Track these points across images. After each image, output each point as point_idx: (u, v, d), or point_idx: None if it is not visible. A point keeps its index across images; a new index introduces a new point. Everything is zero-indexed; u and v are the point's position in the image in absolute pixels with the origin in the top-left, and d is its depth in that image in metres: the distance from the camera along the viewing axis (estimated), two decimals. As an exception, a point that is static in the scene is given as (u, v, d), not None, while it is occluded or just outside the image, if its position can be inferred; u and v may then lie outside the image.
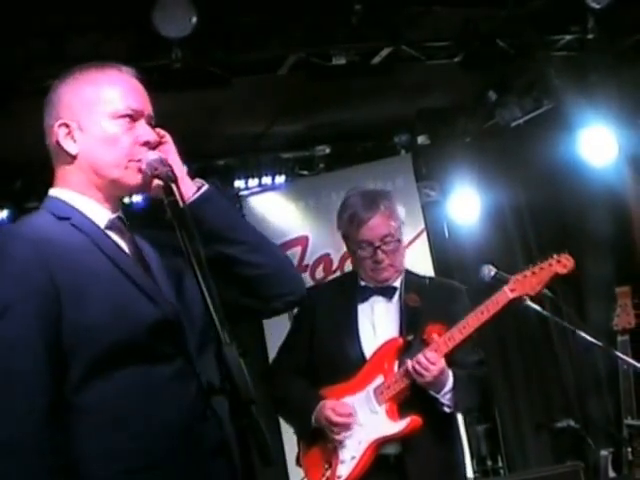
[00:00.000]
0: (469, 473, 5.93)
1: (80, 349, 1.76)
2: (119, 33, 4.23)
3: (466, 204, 6.48)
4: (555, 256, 3.06)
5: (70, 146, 1.91)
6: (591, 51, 5.12)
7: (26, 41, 4.12)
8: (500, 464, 6.51)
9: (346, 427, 3.02)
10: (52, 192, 1.95)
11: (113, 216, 1.93)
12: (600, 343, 3.36)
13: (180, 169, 1.94)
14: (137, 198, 5.88)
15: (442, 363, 2.95)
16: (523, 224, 6.57)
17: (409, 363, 2.96)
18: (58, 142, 1.91)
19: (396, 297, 3.14)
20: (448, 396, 2.99)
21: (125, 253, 1.91)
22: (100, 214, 1.92)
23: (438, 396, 2.98)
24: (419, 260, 6.25)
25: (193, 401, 1.81)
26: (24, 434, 1.66)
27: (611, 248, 6.14)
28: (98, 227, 1.90)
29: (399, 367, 3.03)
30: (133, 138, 1.90)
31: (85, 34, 4.17)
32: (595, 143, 5.62)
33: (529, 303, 3.16)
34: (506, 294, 3.00)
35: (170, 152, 1.98)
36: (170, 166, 1.88)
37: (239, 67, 4.68)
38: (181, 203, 1.80)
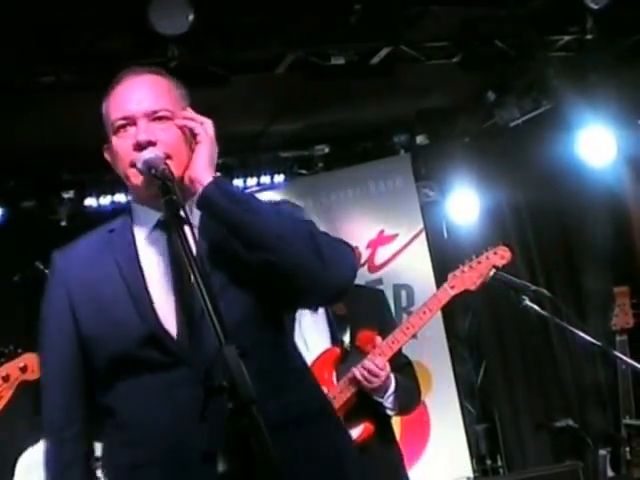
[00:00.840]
0: (468, 472, 5.95)
1: (89, 360, 1.96)
2: (115, 31, 4.22)
3: (465, 204, 6.48)
4: (491, 249, 3.09)
5: (113, 165, 2.02)
6: (590, 52, 5.12)
7: (21, 39, 4.11)
8: (499, 463, 6.51)
9: None
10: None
11: (162, 217, 1.94)
12: (599, 343, 3.37)
13: (209, 155, 1.94)
14: (121, 198, 5.89)
15: (388, 368, 2.97)
16: (522, 224, 6.57)
17: (356, 371, 2.96)
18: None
19: (321, 308, 3.11)
20: (391, 399, 3.00)
21: (140, 269, 1.94)
22: (148, 217, 1.97)
23: (382, 400, 2.99)
24: (418, 260, 6.26)
25: (189, 408, 1.82)
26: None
27: (610, 248, 6.15)
28: (132, 238, 1.98)
29: (337, 376, 3.03)
30: (129, 145, 1.93)
31: (81, 32, 4.16)
32: (594, 143, 5.63)
33: (528, 303, 3.18)
34: (447, 291, 3.04)
35: (204, 143, 1.96)
36: (166, 164, 1.88)
37: (237, 65, 4.67)
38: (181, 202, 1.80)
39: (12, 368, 3.17)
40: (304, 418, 1.90)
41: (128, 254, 1.95)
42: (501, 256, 3.07)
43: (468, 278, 3.03)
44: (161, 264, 1.94)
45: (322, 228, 2.00)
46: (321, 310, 3.12)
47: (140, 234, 1.98)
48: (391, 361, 3.01)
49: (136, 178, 1.92)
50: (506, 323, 6.58)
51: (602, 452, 4.64)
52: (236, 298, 1.88)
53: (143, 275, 1.93)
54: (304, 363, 2.07)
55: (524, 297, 3.19)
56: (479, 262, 3.06)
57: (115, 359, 1.89)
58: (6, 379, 3.13)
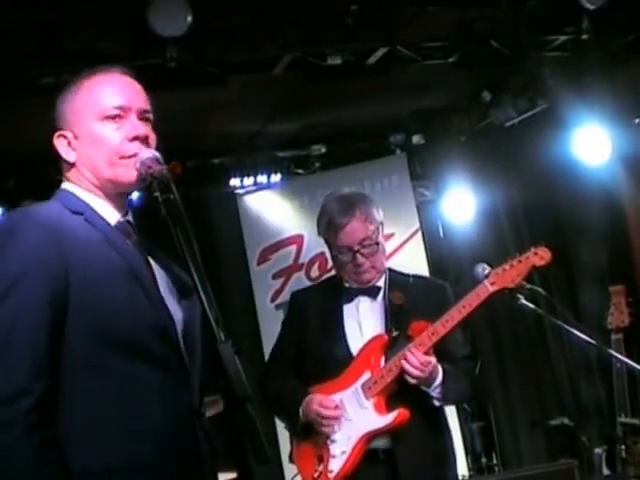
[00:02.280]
0: (464, 470, 5.96)
1: (82, 337, 1.79)
2: (114, 32, 4.22)
3: (461, 203, 6.50)
4: (533, 249, 3.10)
5: (69, 155, 1.96)
6: (585, 52, 5.13)
7: (20, 39, 4.11)
8: (495, 461, 6.53)
9: (334, 419, 3.06)
10: (64, 185, 2.00)
11: (122, 219, 1.96)
12: (594, 342, 3.38)
13: None
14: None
15: (433, 362, 2.99)
16: (517, 223, 6.59)
17: (397, 359, 3.00)
18: (58, 153, 1.97)
19: (380, 296, 3.19)
20: (438, 390, 3.04)
21: (135, 253, 1.93)
22: (110, 213, 1.95)
23: (428, 390, 3.03)
24: (414, 259, 6.27)
25: (183, 412, 1.83)
26: (17, 413, 1.69)
27: (605, 247, 6.17)
28: (109, 225, 1.93)
29: (385, 362, 3.08)
30: (123, 135, 1.92)
31: (79, 33, 4.16)
32: (590, 143, 5.65)
33: (524, 302, 3.19)
34: (487, 287, 3.04)
35: None
36: (165, 164, 1.89)
37: (234, 66, 4.68)
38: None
39: None
40: None
41: (122, 242, 1.91)
42: (541, 257, 3.07)
43: (508, 276, 3.03)
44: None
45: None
46: (380, 297, 3.18)
47: (107, 227, 1.94)
48: (437, 351, 3.04)
49: (124, 168, 1.91)
50: (501, 321, 6.60)
51: (597, 450, 4.64)
52: None
53: (149, 263, 1.93)
54: None
55: (519, 295, 3.19)
56: (519, 261, 3.06)
57: (118, 344, 1.80)
58: None
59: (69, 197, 1.96)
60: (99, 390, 1.78)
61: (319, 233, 3.29)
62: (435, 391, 3.03)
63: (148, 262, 1.95)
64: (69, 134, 1.95)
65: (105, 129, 1.92)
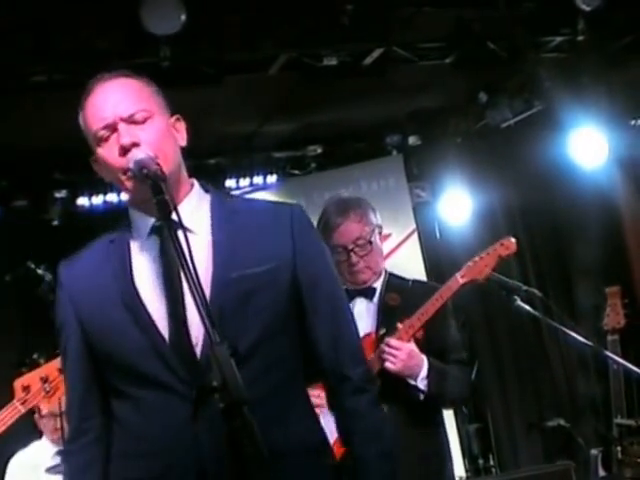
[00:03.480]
0: (461, 472, 5.95)
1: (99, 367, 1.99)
2: (106, 30, 4.20)
3: (457, 205, 6.50)
4: (500, 240, 3.19)
5: (104, 176, 2.02)
6: (582, 53, 5.14)
7: (12, 38, 4.09)
8: (491, 463, 6.52)
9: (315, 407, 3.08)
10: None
11: (156, 223, 1.94)
12: (590, 343, 3.38)
13: None
14: (113, 198, 5.89)
15: (408, 347, 3.02)
16: (514, 225, 6.58)
17: (381, 353, 3.04)
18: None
19: (376, 297, 3.22)
20: (425, 382, 3.05)
21: (132, 279, 1.93)
22: (144, 222, 1.97)
23: (415, 383, 3.04)
24: (410, 260, 6.27)
25: (183, 428, 1.84)
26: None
27: (601, 248, 6.17)
28: (128, 247, 1.97)
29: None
30: (116, 151, 1.92)
31: (73, 31, 4.15)
32: (586, 144, 5.64)
33: (520, 304, 3.20)
34: (457, 280, 3.12)
35: None
36: (159, 164, 1.88)
37: (229, 66, 4.67)
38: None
39: (33, 378, 3.12)
40: (303, 450, 1.93)
41: (122, 265, 1.94)
42: (506, 247, 3.16)
43: (477, 268, 3.13)
44: (153, 271, 1.93)
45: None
46: (375, 299, 3.21)
47: (137, 241, 1.98)
48: (438, 358, 3.08)
49: (129, 183, 1.92)
50: (498, 323, 6.60)
51: (594, 452, 4.65)
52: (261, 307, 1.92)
53: (134, 285, 1.92)
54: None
55: (516, 297, 3.23)
56: (487, 253, 3.16)
57: (118, 370, 1.92)
58: (27, 390, 3.09)
59: (126, 217, 2.04)
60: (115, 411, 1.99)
61: None
62: (422, 383, 3.04)
63: (170, 271, 1.90)
64: (94, 158, 2.00)
65: (104, 152, 1.94)
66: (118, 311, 1.90)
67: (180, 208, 1.84)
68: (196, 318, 1.72)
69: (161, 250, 1.93)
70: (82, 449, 1.98)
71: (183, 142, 2.05)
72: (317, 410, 3.08)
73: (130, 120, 1.92)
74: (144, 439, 1.88)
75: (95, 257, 2.01)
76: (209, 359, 1.61)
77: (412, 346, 3.04)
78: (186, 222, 1.87)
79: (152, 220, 1.95)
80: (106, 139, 1.92)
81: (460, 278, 3.12)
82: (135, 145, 1.90)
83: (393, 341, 3.03)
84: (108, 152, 1.92)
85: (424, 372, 3.04)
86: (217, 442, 1.77)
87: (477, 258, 3.14)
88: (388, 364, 3.02)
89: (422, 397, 3.07)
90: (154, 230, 1.95)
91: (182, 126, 2.07)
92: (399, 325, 3.07)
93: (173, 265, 1.86)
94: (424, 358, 3.05)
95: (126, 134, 1.90)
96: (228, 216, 1.99)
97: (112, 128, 1.92)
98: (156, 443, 1.87)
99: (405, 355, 3.01)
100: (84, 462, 1.97)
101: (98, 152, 1.95)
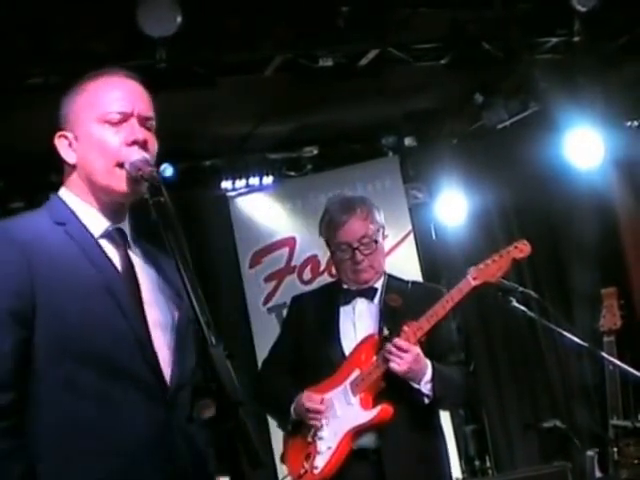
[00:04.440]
0: (457, 473, 5.95)
1: (50, 352, 1.80)
2: (102, 32, 4.19)
3: (453, 206, 6.50)
4: (514, 243, 3.17)
5: (69, 156, 1.97)
6: (577, 54, 5.14)
7: (9, 39, 4.09)
8: (488, 464, 6.53)
9: (320, 413, 3.09)
10: (60, 191, 2.01)
11: (110, 227, 1.95)
12: (586, 344, 3.38)
13: None
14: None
15: (415, 350, 3.01)
16: (510, 226, 6.59)
17: (386, 354, 3.04)
18: (59, 153, 1.98)
19: (377, 298, 3.22)
20: (428, 386, 3.05)
21: (114, 266, 1.92)
22: (97, 222, 1.95)
23: (419, 387, 3.04)
24: (406, 262, 6.26)
25: (156, 427, 1.82)
26: None
27: (597, 249, 6.17)
28: (92, 236, 1.92)
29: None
30: (122, 139, 1.91)
31: (69, 33, 4.14)
32: (582, 145, 5.65)
33: (516, 305, 3.19)
34: (469, 282, 3.09)
35: None
36: (155, 166, 1.88)
37: (225, 67, 4.67)
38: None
39: None
40: None
41: (98, 255, 1.90)
42: (520, 250, 3.15)
43: (489, 271, 3.10)
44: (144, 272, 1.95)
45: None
46: (376, 299, 3.21)
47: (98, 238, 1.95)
48: (435, 359, 3.08)
49: (119, 178, 1.91)
50: (494, 324, 6.60)
51: (590, 453, 4.64)
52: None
53: (121, 276, 1.91)
54: None
55: (511, 298, 3.21)
56: (501, 256, 3.13)
57: (87, 358, 1.81)
58: None
59: (57, 206, 1.97)
60: (65, 406, 1.79)
61: (320, 234, 3.33)
62: (426, 388, 3.04)
63: (133, 272, 1.93)
64: (70, 135, 1.96)
65: (105, 132, 1.92)
66: (99, 298, 1.84)
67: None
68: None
69: (122, 257, 1.93)
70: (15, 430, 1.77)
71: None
72: (320, 417, 3.11)
73: (144, 122, 1.94)
74: (107, 437, 1.79)
75: (48, 235, 1.88)
76: (184, 363, 1.61)
77: (418, 349, 3.03)
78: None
79: (107, 224, 1.95)
80: (114, 124, 1.92)
81: (472, 280, 3.07)
82: (145, 145, 1.92)
83: (401, 342, 3.00)
84: (111, 136, 1.92)
85: (428, 376, 3.04)
86: (187, 443, 1.79)
87: (489, 260, 3.10)
88: (394, 365, 3.00)
89: (427, 401, 3.07)
90: (107, 234, 1.95)
91: None
92: (405, 327, 3.04)
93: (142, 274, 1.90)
94: (428, 362, 3.05)
95: (141, 131, 1.92)
96: None
97: (124, 118, 1.92)
98: (122, 442, 1.80)
99: (412, 357, 2.99)
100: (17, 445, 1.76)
101: (94, 130, 1.92)
